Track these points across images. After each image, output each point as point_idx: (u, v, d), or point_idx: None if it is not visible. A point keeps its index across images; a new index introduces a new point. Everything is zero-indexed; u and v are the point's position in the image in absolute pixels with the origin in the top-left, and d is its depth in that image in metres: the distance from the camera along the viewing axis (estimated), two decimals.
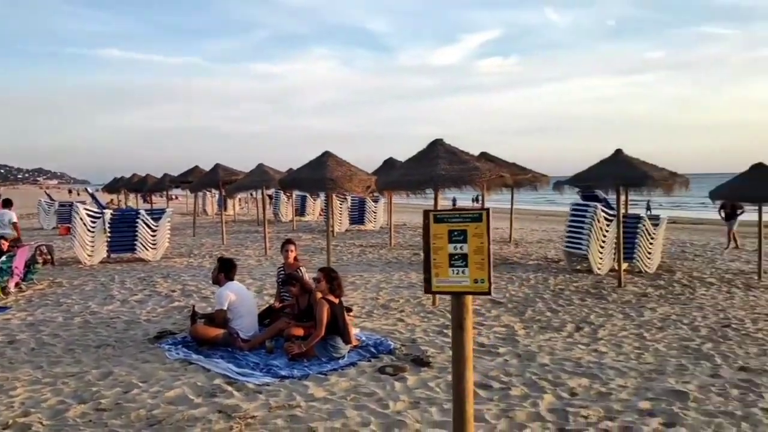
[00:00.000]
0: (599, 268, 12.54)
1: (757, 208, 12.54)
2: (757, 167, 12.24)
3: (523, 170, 15.82)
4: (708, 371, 6.35)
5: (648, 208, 35.54)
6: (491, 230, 3.45)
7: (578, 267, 13.16)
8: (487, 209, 3.44)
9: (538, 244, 18.43)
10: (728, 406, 5.36)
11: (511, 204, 19.61)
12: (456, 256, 3.49)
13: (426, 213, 3.54)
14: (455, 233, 3.48)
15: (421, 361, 6.54)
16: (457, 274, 3.50)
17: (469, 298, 3.50)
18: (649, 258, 13.01)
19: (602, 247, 12.64)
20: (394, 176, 9.80)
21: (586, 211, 12.75)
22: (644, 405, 5.38)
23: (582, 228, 12.67)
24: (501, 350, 7.06)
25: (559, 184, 12.50)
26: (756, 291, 10.88)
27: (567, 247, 13.30)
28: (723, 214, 18.37)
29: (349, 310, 8.65)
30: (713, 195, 13.01)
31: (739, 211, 17.91)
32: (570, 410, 5.24)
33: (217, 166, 20.34)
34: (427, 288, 3.52)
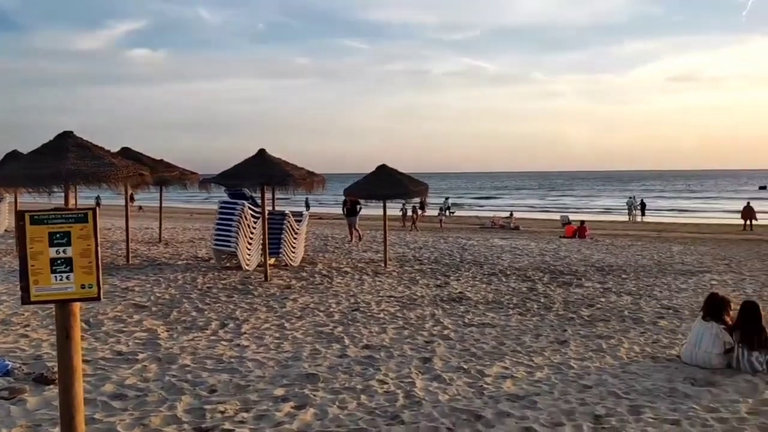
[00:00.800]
0: (248, 264, 12.87)
1: (382, 204, 14.32)
2: (381, 168, 13.98)
3: (171, 168, 15.36)
4: (337, 352, 6.99)
5: (307, 206, 37.90)
6: (98, 231, 3.20)
7: (228, 264, 13.30)
8: (94, 208, 3.19)
9: (189, 243, 18.15)
10: (351, 382, 5.97)
11: (160, 203, 19.01)
12: (59, 261, 3.15)
13: (20, 214, 3.12)
14: (57, 236, 3.13)
15: (45, 379, 5.83)
16: (61, 280, 3.16)
17: (77, 305, 3.20)
18: (293, 252, 13.82)
19: (250, 244, 13.01)
20: (10, 170, 8.56)
21: (233, 209, 12.96)
22: (279, 392, 5.66)
23: (230, 226, 12.83)
24: (140, 356, 6.72)
25: (205, 182, 12.45)
26: (382, 277, 12.40)
27: (216, 245, 13.34)
28: (345, 211, 20.46)
29: None
30: (346, 192, 14.45)
31: (358, 207, 20.15)
32: (207, 407, 5.24)
33: None
34: (25, 298, 3.11)
